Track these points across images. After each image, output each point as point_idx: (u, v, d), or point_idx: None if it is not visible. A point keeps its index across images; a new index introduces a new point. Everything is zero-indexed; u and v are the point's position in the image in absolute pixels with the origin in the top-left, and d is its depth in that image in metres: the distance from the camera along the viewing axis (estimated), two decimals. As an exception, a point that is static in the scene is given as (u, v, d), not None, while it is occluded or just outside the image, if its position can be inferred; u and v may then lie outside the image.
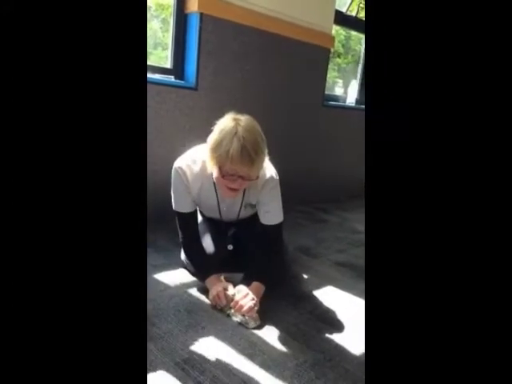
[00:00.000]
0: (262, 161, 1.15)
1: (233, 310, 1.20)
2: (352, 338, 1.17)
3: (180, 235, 1.39)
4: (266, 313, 1.22)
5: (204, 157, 1.23)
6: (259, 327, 1.16)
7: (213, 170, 1.19)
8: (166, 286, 1.37)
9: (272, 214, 1.34)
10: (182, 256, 1.51)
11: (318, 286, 1.51)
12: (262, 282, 1.27)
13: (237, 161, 1.09)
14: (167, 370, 0.95)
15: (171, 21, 1.96)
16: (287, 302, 1.34)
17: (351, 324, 1.26)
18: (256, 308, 1.18)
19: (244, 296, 1.20)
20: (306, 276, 1.61)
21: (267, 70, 2.29)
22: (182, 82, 1.99)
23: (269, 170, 1.30)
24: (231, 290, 1.24)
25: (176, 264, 1.54)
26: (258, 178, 1.19)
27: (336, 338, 1.17)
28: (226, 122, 1.14)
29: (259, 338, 1.12)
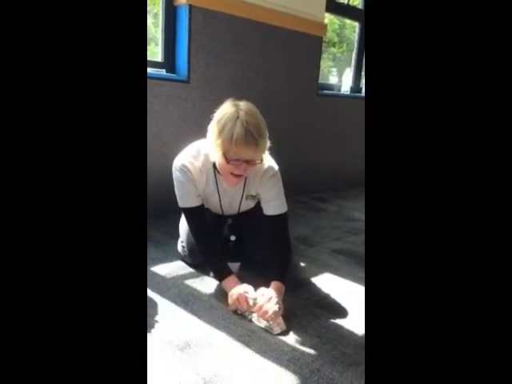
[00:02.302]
0: (266, 143, 1.15)
1: (255, 315, 1.14)
2: (349, 323, 1.17)
3: (191, 232, 1.33)
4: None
5: (205, 150, 1.22)
6: (284, 333, 1.09)
7: (216, 158, 1.17)
8: (163, 278, 1.37)
9: (275, 203, 1.31)
10: (179, 248, 1.52)
11: (315, 273, 1.52)
12: (281, 280, 1.22)
13: (242, 144, 1.08)
14: (164, 359, 0.95)
15: (160, 14, 1.95)
16: (284, 289, 1.34)
17: (348, 310, 1.26)
18: (281, 312, 1.12)
19: (267, 300, 1.12)
20: (303, 264, 1.61)
21: (260, 61, 2.28)
22: (173, 76, 1.98)
23: (267, 160, 1.28)
24: (252, 294, 1.17)
25: (172, 257, 1.54)
26: (262, 161, 1.19)
27: (333, 323, 1.17)
28: (226, 108, 1.14)
29: (256, 326, 1.12)
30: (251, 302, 1.15)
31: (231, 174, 1.17)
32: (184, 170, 1.25)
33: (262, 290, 1.17)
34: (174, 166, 1.27)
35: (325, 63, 3.40)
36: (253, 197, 1.37)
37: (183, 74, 1.97)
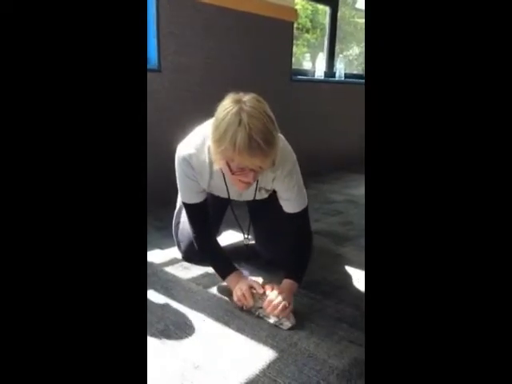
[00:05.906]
0: (275, 149, 0.98)
1: (263, 311, 1.09)
2: (329, 301, 1.20)
3: (191, 227, 1.26)
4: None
5: (210, 143, 1.07)
6: (294, 327, 1.06)
7: (220, 165, 1.03)
8: (142, 267, 1.37)
9: (292, 202, 1.20)
10: (180, 236, 1.44)
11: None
12: (296, 279, 1.17)
13: (245, 154, 0.93)
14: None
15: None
16: (264, 271, 1.37)
17: (322, 286, 1.29)
18: (291, 307, 1.07)
19: (276, 295, 1.07)
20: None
21: (231, 47, 2.27)
22: (143, 65, 1.96)
23: (281, 154, 1.11)
24: (258, 289, 1.12)
25: (151, 245, 1.54)
26: (274, 164, 1.05)
27: (309, 299, 1.20)
28: (227, 107, 0.96)
29: (234, 306, 1.14)
30: (258, 298, 1.11)
31: (239, 180, 1.04)
32: (184, 164, 1.13)
33: (270, 285, 1.13)
34: (176, 155, 1.15)
35: (299, 50, 3.40)
36: (267, 190, 1.24)
37: (153, 62, 1.95)
